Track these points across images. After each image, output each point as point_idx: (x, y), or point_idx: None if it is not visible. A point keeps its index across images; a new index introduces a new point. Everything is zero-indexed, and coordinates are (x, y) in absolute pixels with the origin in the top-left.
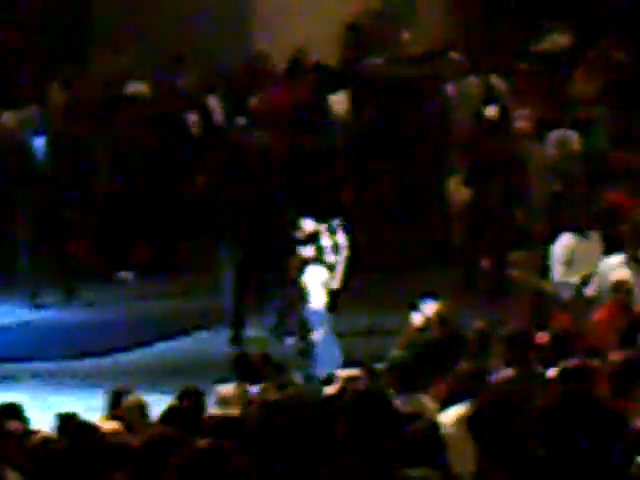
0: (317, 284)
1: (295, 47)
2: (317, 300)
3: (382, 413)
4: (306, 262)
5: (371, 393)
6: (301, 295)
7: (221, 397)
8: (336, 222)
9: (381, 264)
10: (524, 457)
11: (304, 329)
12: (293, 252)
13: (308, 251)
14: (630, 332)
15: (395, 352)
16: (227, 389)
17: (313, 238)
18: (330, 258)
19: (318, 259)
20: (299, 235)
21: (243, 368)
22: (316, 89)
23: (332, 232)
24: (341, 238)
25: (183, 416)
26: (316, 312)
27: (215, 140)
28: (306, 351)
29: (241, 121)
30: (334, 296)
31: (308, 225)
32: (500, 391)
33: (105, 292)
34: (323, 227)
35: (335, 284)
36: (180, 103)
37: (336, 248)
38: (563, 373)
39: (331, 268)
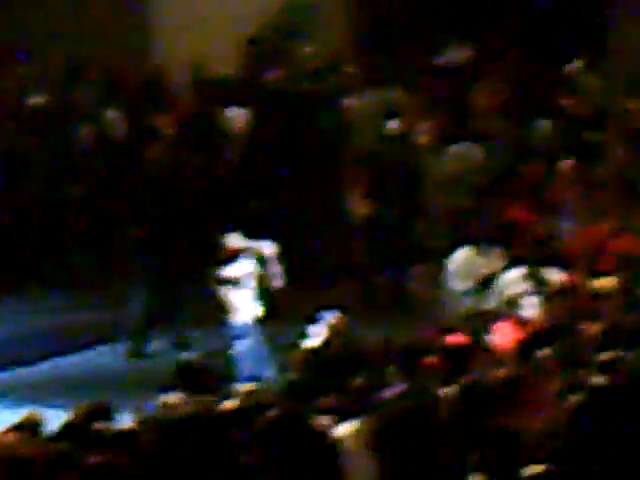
0: (243, 298)
1: (194, 61)
2: (243, 314)
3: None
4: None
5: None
6: (224, 310)
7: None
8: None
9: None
10: (421, 469)
11: (227, 343)
12: (213, 268)
13: (234, 267)
14: (527, 347)
15: (291, 373)
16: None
17: (236, 255)
18: (254, 275)
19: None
20: (223, 251)
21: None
22: (214, 103)
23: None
24: (269, 254)
25: (79, 431)
26: (241, 326)
27: (115, 153)
28: (229, 364)
29: (142, 135)
30: (267, 309)
31: (234, 241)
32: (393, 406)
33: (7, 305)
34: (250, 244)
35: (266, 297)
36: (77, 115)
37: (263, 263)
38: (462, 390)
39: (261, 282)
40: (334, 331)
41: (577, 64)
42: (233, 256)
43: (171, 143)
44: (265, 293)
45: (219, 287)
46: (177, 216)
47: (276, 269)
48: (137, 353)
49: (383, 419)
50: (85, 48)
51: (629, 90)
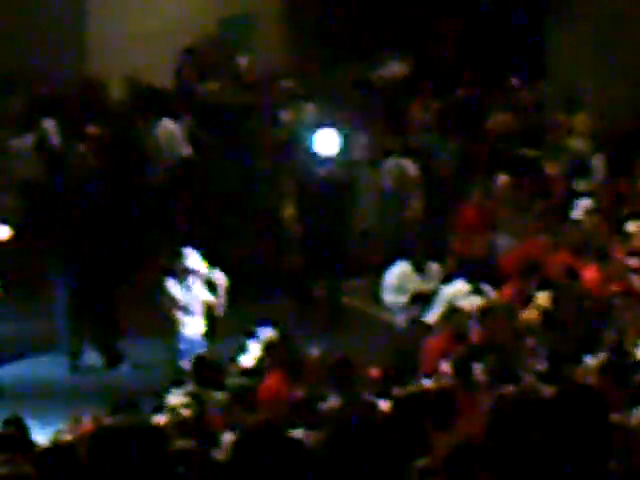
0: (193, 312)
1: (131, 71)
2: (193, 328)
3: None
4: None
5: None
6: (173, 324)
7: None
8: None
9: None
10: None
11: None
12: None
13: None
14: (464, 360)
15: (234, 379)
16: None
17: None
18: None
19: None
20: (178, 266)
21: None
22: (149, 115)
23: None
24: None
25: (8, 443)
26: (191, 340)
27: (52, 163)
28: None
29: (80, 147)
30: (212, 323)
31: (193, 261)
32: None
33: None
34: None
35: (216, 312)
36: (12, 125)
37: (210, 281)
38: (396, 402)
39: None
40: (269, 346)
41: (513, 81)
42: (186, 275)
43: (104, 154)
44: (210, 316)
45: (168, 301)
46: (106, 229)
47: (223, 299)
48: (74, 366)
49: (323, 431)
50: (22, 60)
51: (564, 107)
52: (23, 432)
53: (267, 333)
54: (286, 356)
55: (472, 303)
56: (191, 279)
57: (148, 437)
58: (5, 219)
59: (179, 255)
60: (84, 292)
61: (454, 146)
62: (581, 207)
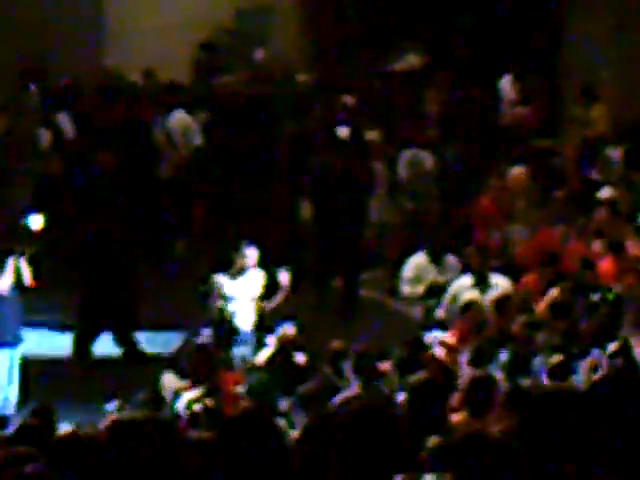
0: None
1: (148, 65)
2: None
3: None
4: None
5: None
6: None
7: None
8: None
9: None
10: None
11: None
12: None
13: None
14: (479, 353)
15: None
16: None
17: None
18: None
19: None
20: (239, 264)
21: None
22: (166, 108)
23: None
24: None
25: (34, 434)
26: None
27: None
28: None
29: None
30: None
31: (251, 256)
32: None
33: None
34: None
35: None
36: (29, 119)
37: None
38: (411, 389)
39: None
40: (284, 342)
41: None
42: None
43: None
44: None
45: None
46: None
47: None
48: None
49: (336, 423)
50: (39, 52)
51: (581, 98)
52: (49, 423)
53: (286, 328)
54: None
55: (484, 296)
56: (245, 273)
57: (162, 429)
58: (39, 208)
59: (238, 249)
60: (101, 285)
61: (470, 138)
62: (599, 198)
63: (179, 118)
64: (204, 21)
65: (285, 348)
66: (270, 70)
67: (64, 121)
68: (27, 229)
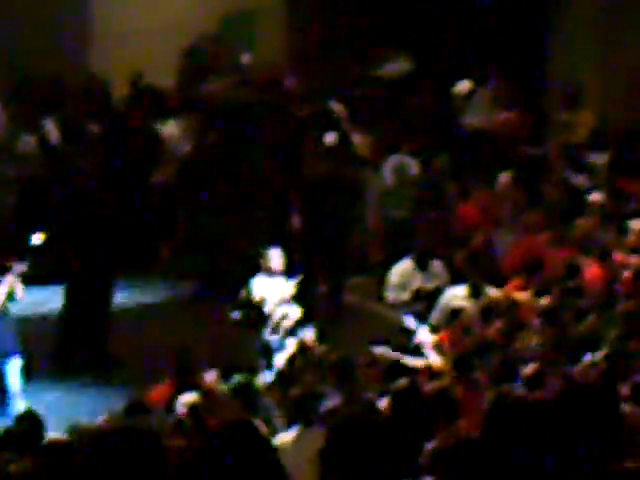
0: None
1: (133, 70)
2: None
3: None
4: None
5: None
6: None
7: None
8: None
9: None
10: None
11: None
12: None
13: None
14: (464, 359)
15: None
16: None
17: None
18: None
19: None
20: (265, 267)
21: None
22: (150, 115)
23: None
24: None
25: (18, 440)
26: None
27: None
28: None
29: (81, 147)
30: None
31: (276, 258)
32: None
33: None
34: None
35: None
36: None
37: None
38: (394, 395)
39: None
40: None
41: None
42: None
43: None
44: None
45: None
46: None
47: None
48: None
49: (325, 429)
50: (24, 57)
51: (566, 103)
52: (36, 428)
53: (307, 332)
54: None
55: (472, 304)
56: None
57: (145, 439)
58: (41, 226)
59: (263, 254)
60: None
61: (455, 143)
62: (586, 204)
63: (169, 125)
64: (189, 26)
65: (304, 352)
66: (256, 75)
67: (49, 126)
68: (27, 245)
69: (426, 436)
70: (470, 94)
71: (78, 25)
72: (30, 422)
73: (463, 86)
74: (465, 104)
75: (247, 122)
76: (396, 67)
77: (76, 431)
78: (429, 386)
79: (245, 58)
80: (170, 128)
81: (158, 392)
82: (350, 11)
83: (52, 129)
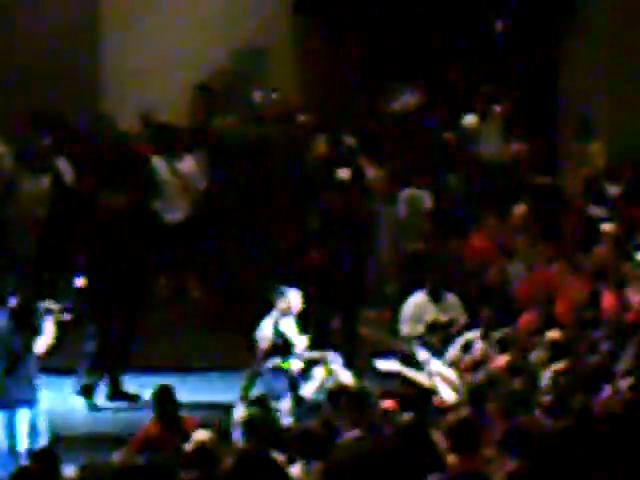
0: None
1: (144, 107)
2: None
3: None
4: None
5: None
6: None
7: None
8: None
9: (231, 324)
10: None
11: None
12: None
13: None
14: (477, 392)
15: (248, 410)
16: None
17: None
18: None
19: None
20: (281, 305)
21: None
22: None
23: None
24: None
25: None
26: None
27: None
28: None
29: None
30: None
31: (292, 296)
32: (346, 451)
33: None
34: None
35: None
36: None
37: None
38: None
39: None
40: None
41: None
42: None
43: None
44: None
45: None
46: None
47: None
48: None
49: (338, 462)
50: (38, 96)
51: (578, 134)
52: (53, 466)
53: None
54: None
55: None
56: (286, 317)
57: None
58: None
59: (281, 293)
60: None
61: (468, 175)
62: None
63: (186, 160)
64: (200, 62)
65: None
66: (268, 111)
67: (63, 165)
68: (69, 288)
69: (431, 469)
70: (480, 125)
71: (89, 66)
72: (46, 460)
73: (471, 119)
74: (476, 135)
75: (259, 157)
76: (407, 100)
77: (91, 469)
78: (450, 416)
79: (256, 94)
80: (187, 164)
81: (147, 431)
82: (361, 45)
83: (66, 168)
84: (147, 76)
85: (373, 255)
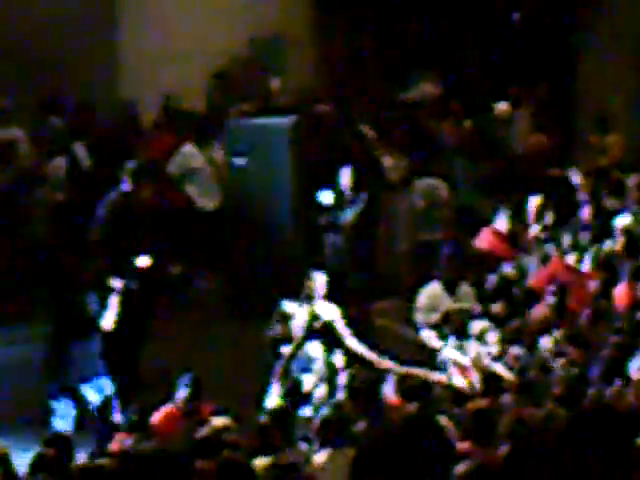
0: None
1: (163, 95)
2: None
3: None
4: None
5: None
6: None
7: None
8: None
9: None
10: None
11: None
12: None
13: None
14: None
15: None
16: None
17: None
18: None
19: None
20: (308, 290)
21: None
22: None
23: None
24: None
25: (51, 464)
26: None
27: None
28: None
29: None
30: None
31: (320, 281)
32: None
33: None
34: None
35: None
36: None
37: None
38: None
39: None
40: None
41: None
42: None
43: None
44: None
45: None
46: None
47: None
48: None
49: (359, 450)
50: (55, 81)
51: (596, 126)
52: (67, 451)
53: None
54: None
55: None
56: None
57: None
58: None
59: (309, 277)
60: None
61: (484, 166)
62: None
63: (216, 148)
64: (218, 50)
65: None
66: (285, 99)
67: (80, 151)
68: (133, 266)
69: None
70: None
71: (107, 52)
72: (61, 445)
73: (503, 106)
74: (506, 123)
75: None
76: (424, 90)
77: (105, 454)
78: (469, 406)
79: (275, 82)
80: (217, 151)
81: (164, 416)
82: (379, 35)
83: (83, 153)
84: (165, 62)
85: (389, 245)
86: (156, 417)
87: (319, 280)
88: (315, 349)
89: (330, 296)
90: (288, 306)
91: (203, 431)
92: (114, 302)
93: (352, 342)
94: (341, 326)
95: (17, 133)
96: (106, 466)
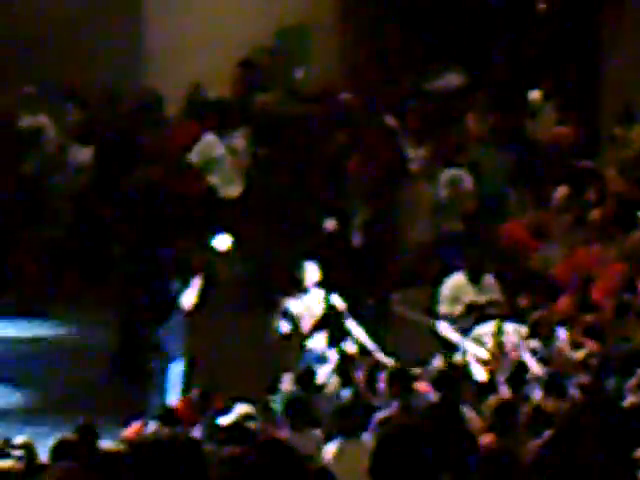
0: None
1: (188, 84)
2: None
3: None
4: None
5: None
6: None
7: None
8: None
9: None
10: None
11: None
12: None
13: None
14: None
15: (287, 389)
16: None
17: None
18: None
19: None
20: (302, 282)
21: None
22: (214, 126)
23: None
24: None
25: (76, 450)
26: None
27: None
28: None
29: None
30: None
31: (311, 273)
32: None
33: None
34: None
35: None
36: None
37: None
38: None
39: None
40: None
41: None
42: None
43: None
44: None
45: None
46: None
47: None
48: None
49: (377, 440)
50: (80, 71)
51: (621, 118)
52: (91, 439)
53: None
54: None
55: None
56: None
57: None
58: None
59: (300, 267)
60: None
61: (509, 157)
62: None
63: (238, 137)
64: (243, 39)
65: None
66: (310, 89)
67: (104, 140)
68: (214, 249)
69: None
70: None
71: (132, 41)
72: (84, 432)
73: (535, 94)
74: (536, 112)
75: (298, 134)
76: (449, 80)
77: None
78: (491, 400)
79: (299, 71)
80: (239, 140)
81: (184, 404)
82: (403, 25)
83: (108, 143)
84: (190, 52)
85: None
86: (179, 405)
87: (312, 271)
88: (321, 340)
89: (330, 285)
90: (289, 299)
91: (228, 418)
92: (196, 282)
93: (357, 331)
94: (344, 316)
95: (44, 120)
96: (130, 453)
